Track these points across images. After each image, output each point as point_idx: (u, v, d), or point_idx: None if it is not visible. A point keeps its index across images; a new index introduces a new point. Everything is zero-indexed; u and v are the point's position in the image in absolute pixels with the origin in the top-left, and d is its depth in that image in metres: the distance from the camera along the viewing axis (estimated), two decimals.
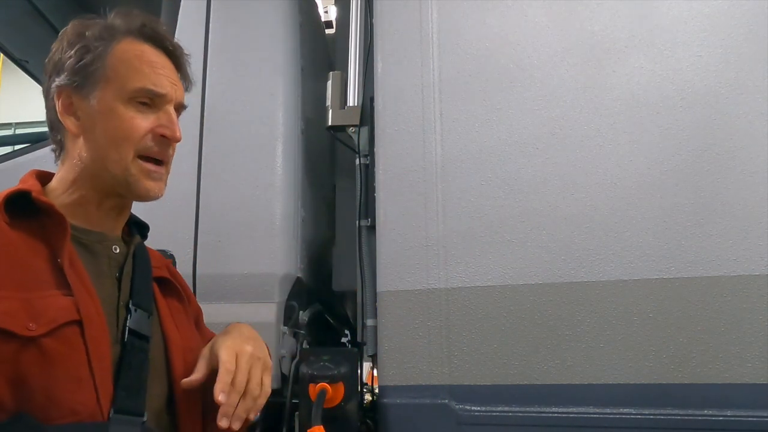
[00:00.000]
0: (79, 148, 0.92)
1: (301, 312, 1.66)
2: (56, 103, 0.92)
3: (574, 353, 1.35)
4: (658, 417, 1.29)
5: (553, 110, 1.47)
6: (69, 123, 0.92)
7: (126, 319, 0.87)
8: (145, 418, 0.83)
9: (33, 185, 0.90)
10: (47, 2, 2.28)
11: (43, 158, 1.66)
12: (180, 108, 0.98)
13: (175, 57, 0.98)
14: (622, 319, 1.34)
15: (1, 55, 3.06)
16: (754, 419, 1.25)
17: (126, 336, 0.86)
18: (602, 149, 1.43)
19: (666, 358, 1.31)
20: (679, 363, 1.31)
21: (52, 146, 0.97)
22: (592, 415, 1.33)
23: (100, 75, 0.90)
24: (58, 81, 0.91)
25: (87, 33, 0.92)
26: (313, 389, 1.41)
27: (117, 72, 0.90)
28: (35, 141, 1.82)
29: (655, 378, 1.31)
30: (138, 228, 1.04)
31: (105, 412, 0.79)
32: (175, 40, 1.00)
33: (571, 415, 1.33)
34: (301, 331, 1.65)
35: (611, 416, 1.31)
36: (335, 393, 1.42)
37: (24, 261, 0.82)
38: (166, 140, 0.92)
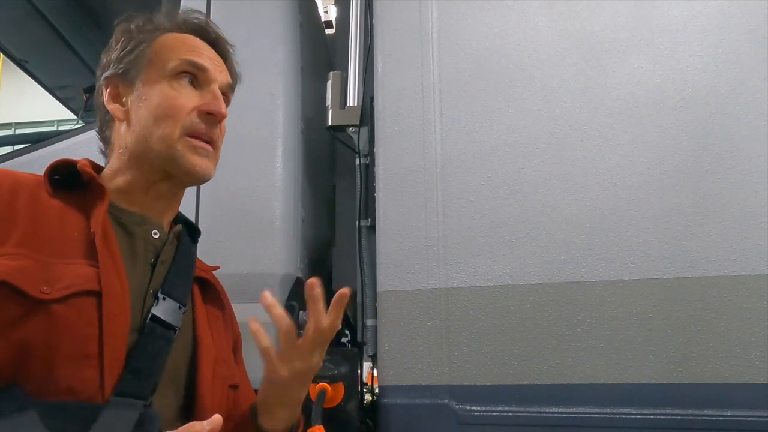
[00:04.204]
0: (123, 136, 0.90)
1: (301, 312, 1.66)
2: (104, 93, 0.92)
3: (574, 353, 1.35)
4: (658, 417, 1.29)
5: (553, 110, 1.47)
6: (115, 109, 0.91)
7: (152, 306, 0.82)
8: (148, 402, 0.76)
9: (82, 161, 0.88)
10: (47, 2, 2.28)
11: (43, 158, 1.66)
12: (228, 91, 0.97)
13: (219, 47, 0.98)
14: (622, 319, 1.34)
15: (1, 55, 3.06)
16: (754, 419, 1.25)
17: (147, 323, 0.80)
18: (602, 149, 1.43)
19: (666, 358, 1.31)
20: (679, 363, 1.31)
21: (100, 147, 0.97)
22: (592, 415, 1.33)
23: (144, 59, 0.91)
24: (106, 74, 0.92)
25: (132, 26, 0.93)
26: (313, 389, 1.41)
27: (159, 54, 0.91)
28: (35, 141, 1.82)
29: (655, 378, 1.31)
30: (188, 229, 1.00)
31: (107, 395, 0.72)
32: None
33: (571, 415, 1.33)
34: (301, 331, 1.65)
35: (611, 416, 1.31)
36: (335, 393, 1.43)
37: (55, 226, 0.79)
38: (212, 117, 0.90)
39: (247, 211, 1.60)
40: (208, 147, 0.91)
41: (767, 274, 1.30)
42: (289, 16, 1.80)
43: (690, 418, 1.28)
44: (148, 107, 0.88)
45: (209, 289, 0.99)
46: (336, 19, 2.32)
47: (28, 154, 1.72)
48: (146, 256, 0.87)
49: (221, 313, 1.00)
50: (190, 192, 1.64)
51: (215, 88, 0.93)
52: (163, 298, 0.84)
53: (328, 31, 2.45)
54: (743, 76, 1.39)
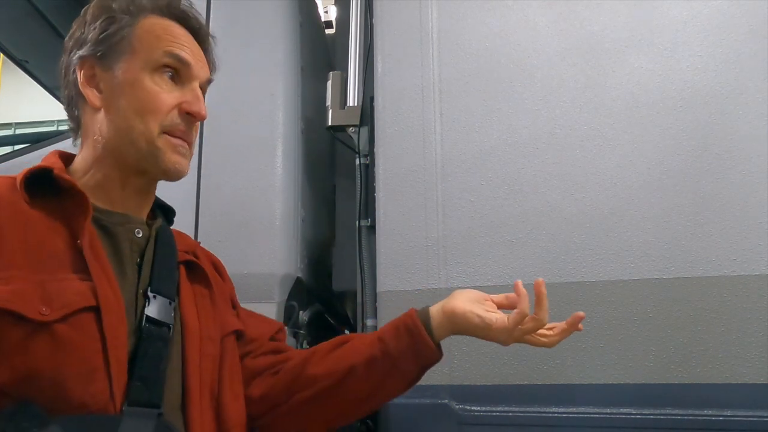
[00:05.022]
0: (99, 123, 0.88)
1: (301, 312, 1.66)
2: (78, 74, 0.88)
3: (574, 353, 1.35)
4: (658, 417, 1.29)
5: (553, 110, 1.47)
6: (90, 95, 0.88)
7: (144, 307, 0.82)
8: (161, 410, 0.77)
9: (55, 163, 0.86)
10: (47, 2, 2.28)
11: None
12: (206, 85, 0.95)
13: (200, 36, 0.96)
14: (622, 319, 1.34)
15: (1, 55, 3.06)
16: (754, 419, 1.25)
17: (143, 324, 0.80)
18: (602, 149, 1.43)
19: (666, 358, 1.31)
20: (679, 363, 1.31)
21: (70, 125, 0.94)
22: (592, 415, 1.33)
23: (126, 45, 0.87)
24: (81, 52, 0.88)
25: (113, 5, 0.89)
26: None
27: (143, 42, 0.88)
28: (35, 141, 1.82)
29: (655, 378, 1.31)
30: (163, 212, 1.00)
31: (118, 405, 0.74)
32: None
33: (571, 415, 1.33)
34: (301, 331, 1.66)
35: (611, 416, 1.31)
36: None
37: (41, 240, 0.77)
38: (192, 118, 0.89)
39: (247, 211, 1.60)
40: (186, 145, 0.90)
41: (767, 274, 1.30)
42: (289, 16, 1.80)
43: (690, 418, 1.28)
44: (129, 99, 0.86)
45: (193, 268, 0.98)
46: (336, 19, 2.32)
47: (28, 154, 1.72)
48: (132, 257, 0.87)
49: (208, 291, 0.98)
50: (190, 192, 1.65)
51: (196, 86, 0.91)
52: (154, 297, 0.84)
53: (328, 31, 2.45)
54: (743, 76, 1.39)
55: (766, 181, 1.34)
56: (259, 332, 1.06)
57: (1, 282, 0.72)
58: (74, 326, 0.73)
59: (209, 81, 0.96)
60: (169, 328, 0.84)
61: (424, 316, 0.98)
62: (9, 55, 2.49)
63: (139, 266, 0.87)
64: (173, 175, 0.89)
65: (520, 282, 0.93)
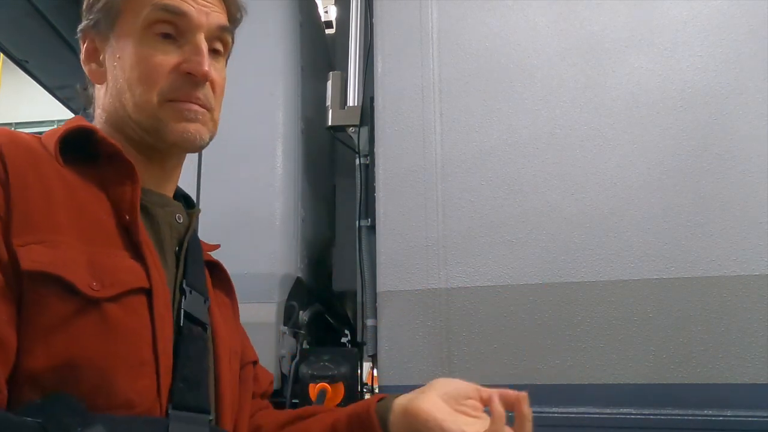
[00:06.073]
0: (102, 98, 0.78)
1: (301, 312, 1.66)
2: (81, 49, 0.78)
3: (574, 353, 1.35)
4: (658, 417, 1.29)
5: (553, 110, 1.47)
6: (89, 70, 0.78)
7: (181, 301, 0.72)
8: (212, 416, 0.70)
9: (82, 122, 0.73)
10: (47, 2, 2.28)
11: None
12: (223, 33, 0.80)
13: None
14: (622, 319, 1.34)
15: (1, 55, 3.06)
16: (754, 419, 1.25)
17: (182, 320, 0.70)
18: (602, 149, 1.43)
19: (666, 358, 1.31)
20: (679, 363, 1.31)
21: (88, 108, 0.83)
22: (592, 415, 1.33)
23: (116, 7, 0.75)
24: (81, 25, 0.78)
25: None
26: (313, 389, 1.42)
27: (131, 1, 0.75)
28: None
29: (655, 378, 1.31)
30: (185, 202, 0.90)
31: (164, 406, 0.64)
32: None
33: (571, 415, 1.33)
34: (301, 331, 1.66)
35: (611, 416, 1.31)
36: (335, 393, 1.43)
37: (83, 208, 0.66)
38: (194, 78, 0.74)
39: (247, 211, 1.60)
40: (196, 108, 0.75)
41: (767, 274, 1.30)
42: (289, 16, 1.80)
43: (690, 418, 1.28)
44: (122, 68, 0.74)
45: (217, 273, 0.90)
46: (336, 19, 2.32)
47: None
48: (172, 243, 0.77)
49: (229, 300, 0.91)
50: (190, 192, 1.64)
51: (199, 39, 0.75)
52: (190, 292, 0.74)
53: (328, 31, 2.45)
54: (743, 76, 1.39)
55: (766, 181, 1.33)
56: (264, 376, 0.97)
57: (47, 244, 0.60)
58: (127, 309, 0.63)
59: (226, 28, 0.81)
60: (205, 329, 0.75)
61: (384, 409, 0.80)
62: (9, 55, 2.49)
63: (177, 256, 0.77)
64: (185, 146, 0.76)
65: (496, 398, 0.72)
